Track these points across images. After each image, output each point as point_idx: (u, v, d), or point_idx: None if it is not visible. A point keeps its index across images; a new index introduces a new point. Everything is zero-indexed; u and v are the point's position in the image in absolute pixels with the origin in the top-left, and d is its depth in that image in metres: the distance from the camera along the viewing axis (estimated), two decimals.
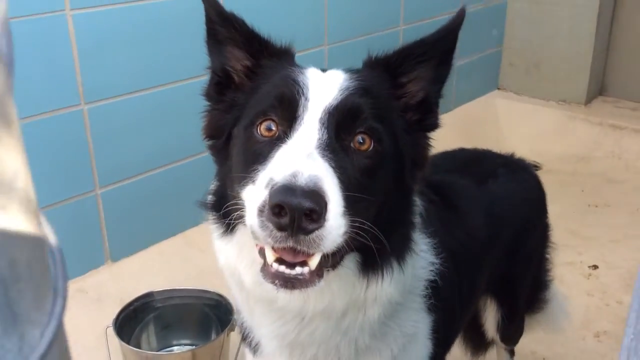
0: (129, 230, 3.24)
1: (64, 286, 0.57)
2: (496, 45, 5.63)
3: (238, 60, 1.51)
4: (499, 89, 5.78)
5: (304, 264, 1.24)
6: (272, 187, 1.15)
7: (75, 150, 2.93)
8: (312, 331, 1.46)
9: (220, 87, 1.52)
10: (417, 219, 1.54)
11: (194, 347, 2.58)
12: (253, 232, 1.20)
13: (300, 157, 1.22)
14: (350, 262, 1.40)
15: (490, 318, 2.32)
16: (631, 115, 5.27)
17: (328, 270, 1.33)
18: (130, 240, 3.26)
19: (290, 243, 1.16)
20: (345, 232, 1.22)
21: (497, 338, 2.42)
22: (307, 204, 1.11)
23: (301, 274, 1.24)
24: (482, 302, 2.29)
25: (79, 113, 2.89)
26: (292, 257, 1.23)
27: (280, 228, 1.14)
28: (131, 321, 2.60)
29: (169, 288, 2.72)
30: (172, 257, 3.37)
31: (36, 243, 0.55)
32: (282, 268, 1.24)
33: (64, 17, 2.75)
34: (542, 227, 2.40)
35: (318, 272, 1.27)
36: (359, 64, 1.54)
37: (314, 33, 3.88)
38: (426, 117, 1.51)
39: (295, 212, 1.11)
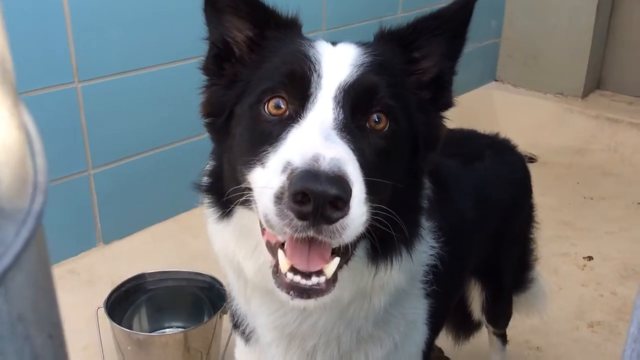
0: (121, 212, 3.20)
1: (44, 181, 0.51)
2: (494, 37, 5.60)
3: (240, 31, 1.41)
4: (496, 80, 5.76)
5: (319, 272, 1.17)
6: (291, 172, 1.06)
7: (68, 129, 2.89)
8: (315, 322, 1.40)
9: (220, 60, 1.43)
10: (425, 203, 1.47)
11: (186, 329, 2.55)
12: (268, 221, 1.11)
13: (319, 139, 1.13)
14: (359, 250, 1.33)
15: (476, 299, 2.31)
16: (628, 109, 5.26)
17: (341, 268, 1.26)
18: (123, 223, 3.22)
19: (311, 233, 1.08)
20: (367, 220, 1.14)
21: (483, 319, 2.41)
22: (333, 191, 1.03)
23: (317, 284, 1.17)
24: (467, 283, 2.28)
25: (73, 91, 2.85)
26: (306, 265, 1.16)
27: (301, 217, 1.06)
28: (123, 303, 2.56)
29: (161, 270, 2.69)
30: (165, 240, 3.34)
31: (12, 122, 0.49)
32: (298, 278, 1.16)
33: None
34: (528, 207, 2.39)
35: (333, 278, 1.20)
36: None
37: (313, 18, 3.85)
38: (440, 95, 1.44)
39: (320, 200, 1.03)
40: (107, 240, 3.18)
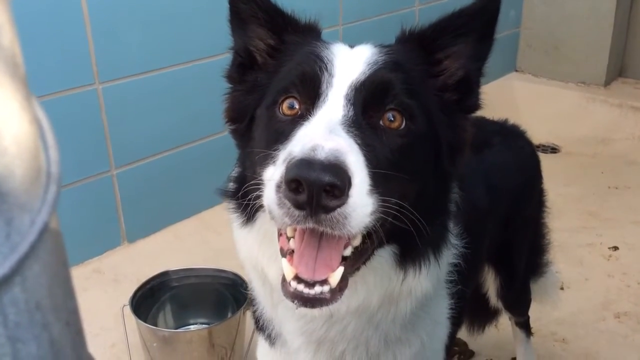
0: (144, 211, 3.24)
1: (57, 172, 0.53)
2: (514, 27, 5.54)
3: (261, 39, 1.43)
4: (516, 70, 5.70)
5: (324, 282, 1.16)
6: (289, 162, 1.07)
7: (91, 130, 2.93)
8: (343, 327, 1.41)
9: (243, 69, 1.45)
10: (453, 208, 1.45)
11: (210, 325, 2.57)
12: (270, 212, 1.12)
13: (322, 132, 1.14)
14: (386, 254, 1.33)
15: (491, 285, 2.30)
16: None
17: (353, 274, 1.26)
18: (146, 221, 3.26)
19: (310, 224, 1.07)
20: (373, 212, 1.12)
21: (500, 305, 2.39)
22: (326, 178, 1.02)
23: (321, 293, 1.16)
24: (482, 270, 2.27)
25: (94, 92, 2.88)
26: (311, 274, 1.15)
27: (298, 206, 1.06)
28: (148, 300, 2.59)
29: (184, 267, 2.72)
30: (188, 238, 3.37)
31: (24, 116, 0.51)
32: (301, 287, 1.16)
33: None
34: (538, 193, 2.38)
35: (340, 285, 1.18)
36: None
37: (329, 12, 3.84)
38: (466, 97, 1.40)
39: (313, 187, 1.02)
40: (132, 239, 3.22)
